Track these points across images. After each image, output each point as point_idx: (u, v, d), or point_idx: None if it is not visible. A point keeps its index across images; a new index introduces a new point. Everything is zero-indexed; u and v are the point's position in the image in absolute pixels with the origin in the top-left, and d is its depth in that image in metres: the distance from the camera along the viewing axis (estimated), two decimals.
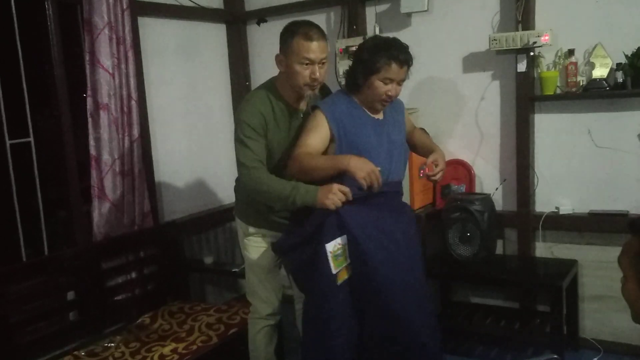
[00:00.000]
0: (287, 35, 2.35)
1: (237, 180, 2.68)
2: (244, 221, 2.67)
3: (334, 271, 2.27)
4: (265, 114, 2.39)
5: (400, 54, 2.31)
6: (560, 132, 3.27)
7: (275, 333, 2.80)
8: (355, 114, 2.40)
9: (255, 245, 2.65)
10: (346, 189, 2.24)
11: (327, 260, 2.26)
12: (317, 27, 2.37)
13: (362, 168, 2.20)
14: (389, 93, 2.34)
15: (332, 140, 2.37)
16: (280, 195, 2.31)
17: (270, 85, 2.48)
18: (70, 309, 3.12)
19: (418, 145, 2.66)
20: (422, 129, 3.04)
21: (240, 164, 2.39)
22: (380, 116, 2.46)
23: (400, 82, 2.37)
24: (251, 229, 2.64)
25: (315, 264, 2.29)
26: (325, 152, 2.39)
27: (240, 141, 2.38)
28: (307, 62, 2.32)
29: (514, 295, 3.50)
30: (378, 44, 2.34)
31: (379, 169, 2.24)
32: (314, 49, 2.30)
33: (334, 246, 2.27)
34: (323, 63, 2.36)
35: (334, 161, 2.29)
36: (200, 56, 4.02)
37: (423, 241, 3.04)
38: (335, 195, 2.22)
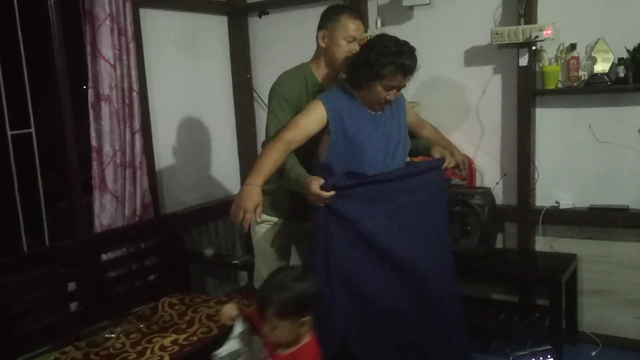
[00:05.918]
0: (333, 14, 2.53)
1: None
2: None
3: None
4: (300, 89, 2.53)
5: (409, 62, 2.30)
6: (561, 127, 3.27)
7: None
8: (353, 108, 2.41)
9: (266, 232, 2.68)
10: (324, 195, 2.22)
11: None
12: None
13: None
14: (388, 98, 2.36)
15: (328, 132, 2.38)
16: (284, 172, 2.41)
17: (304, 67, 2.60)
18: (70, 299, 3.12)
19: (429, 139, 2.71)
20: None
21: (267, 136, 2.50)
22: (378, 111, 2.46)
23: (400, 89, 2.39)
24: (262, 217, 2.65)
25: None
26: (320, 144, 2.42)
27: (272, 112, 2.51)
28: (351, 39, 2.48)
29: (513, 289, 3.51)
30: (389, 48, 2.28)
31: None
32: (358, 27, 2.51)
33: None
34: (359, 43, 2.50)
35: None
36: (202, 48, 4.01)
37: None
38: (313, 197, 2.24)
